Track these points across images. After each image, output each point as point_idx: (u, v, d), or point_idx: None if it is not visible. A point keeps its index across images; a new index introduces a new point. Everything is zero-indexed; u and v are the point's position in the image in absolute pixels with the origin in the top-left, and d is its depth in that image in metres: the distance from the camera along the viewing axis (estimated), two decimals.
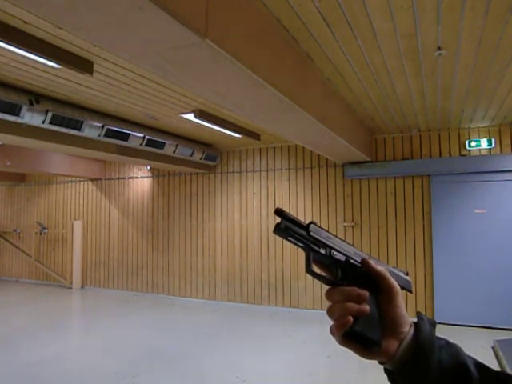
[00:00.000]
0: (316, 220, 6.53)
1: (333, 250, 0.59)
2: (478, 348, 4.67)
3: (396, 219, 6.09)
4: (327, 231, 0.60)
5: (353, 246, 0.62)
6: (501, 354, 4.21)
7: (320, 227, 0.59)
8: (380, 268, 0.59)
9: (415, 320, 0.59)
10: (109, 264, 8.37)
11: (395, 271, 0.65)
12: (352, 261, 0.60)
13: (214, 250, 7.36)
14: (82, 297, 8.08)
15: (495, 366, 3.94)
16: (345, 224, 6.38)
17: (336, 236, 0.61)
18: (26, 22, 2.62)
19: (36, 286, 8.94)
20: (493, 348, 4.60)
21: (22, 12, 2.45)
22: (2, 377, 4.05)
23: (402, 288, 0.63)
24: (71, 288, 8.49)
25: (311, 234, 0.58)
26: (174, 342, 5.15)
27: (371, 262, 0.59)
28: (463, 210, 5.72)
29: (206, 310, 6.79)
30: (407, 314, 0.59)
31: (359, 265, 0.60)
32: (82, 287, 8.58)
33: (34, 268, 9.23)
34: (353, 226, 6.34)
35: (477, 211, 5.65)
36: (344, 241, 0.61)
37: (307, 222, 0.57)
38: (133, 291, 8.03)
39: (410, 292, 0.66)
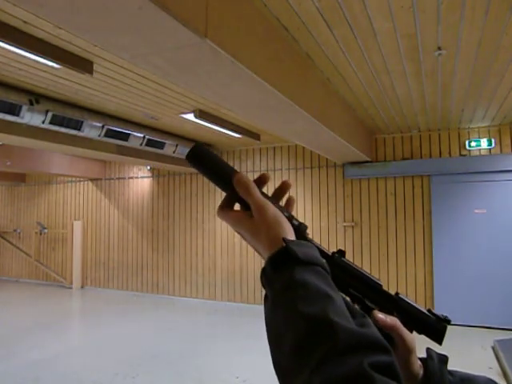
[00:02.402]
0: (316, 220, 6.53)
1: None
2: (478, 348, 4.67)
3: (396, 219, 6.09)
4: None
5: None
6: (501, 354, 4.20)
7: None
8: (388, 323, 0.54)
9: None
10: (109, 264, 8.37)
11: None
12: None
13: (214, 249, 7.36)
14: (81, 297, 8.08)
15: (495, 366, 3.95)
16: (345, 224, 6.38)
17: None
18: (25, 22, 2.62)
19: (36, 285, 8.94)
20: (493, 348, 4.60)
21: (21, 12, 2.45)
22: (2, 377, 4.05)
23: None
24: (71, 288, 8.49)
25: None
26: (174, 342, 5.15)
27: (379, 316, 0.55)
28: (463, 210, 5.72)
29: (206, 310, 6.79)
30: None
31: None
32: (82, 287, 8.58)
33: (34, 268, 9.23)
34: (353, 226, 6.34)
35: (477, 211, 5.65)
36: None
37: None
38: (133, 291, 8.03)
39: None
